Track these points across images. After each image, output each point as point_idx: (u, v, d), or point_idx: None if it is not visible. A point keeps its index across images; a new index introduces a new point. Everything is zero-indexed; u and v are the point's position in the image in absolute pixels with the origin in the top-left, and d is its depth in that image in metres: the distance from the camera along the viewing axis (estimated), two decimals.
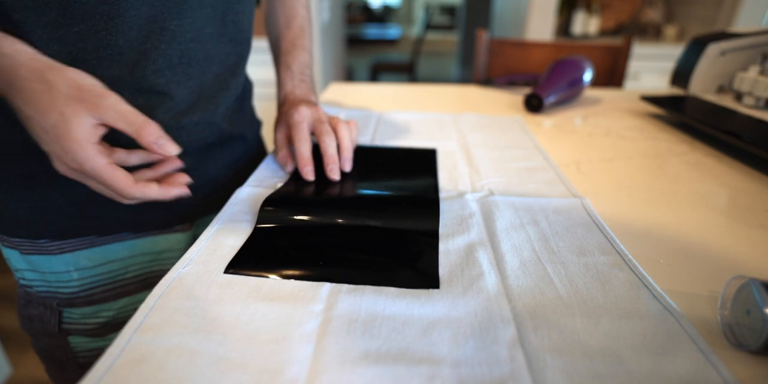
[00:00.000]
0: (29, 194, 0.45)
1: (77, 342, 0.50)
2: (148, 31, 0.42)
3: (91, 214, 0.47)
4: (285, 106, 0.55)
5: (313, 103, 0.55)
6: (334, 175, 0.48)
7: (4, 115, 0.41)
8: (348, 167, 0.50)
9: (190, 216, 0.54)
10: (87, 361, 0.51)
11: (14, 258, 0.48)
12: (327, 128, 0.50)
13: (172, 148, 0.37)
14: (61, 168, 0.36)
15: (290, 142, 0.52)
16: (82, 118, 0.34)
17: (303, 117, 0.51)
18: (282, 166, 0.53)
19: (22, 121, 0.36)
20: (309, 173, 0.48)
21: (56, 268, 0.47)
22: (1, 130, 0.43)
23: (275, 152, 0.55)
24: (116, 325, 0.51)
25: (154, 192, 0.38)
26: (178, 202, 0.44)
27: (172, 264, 0.50)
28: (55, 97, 0.33)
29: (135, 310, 0.46)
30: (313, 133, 0.51)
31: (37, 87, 0.33)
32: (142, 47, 0.42)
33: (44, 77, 0.34)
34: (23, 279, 0.48)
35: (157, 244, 0.52)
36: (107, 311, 0.50)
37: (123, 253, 0.50)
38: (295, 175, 0.51)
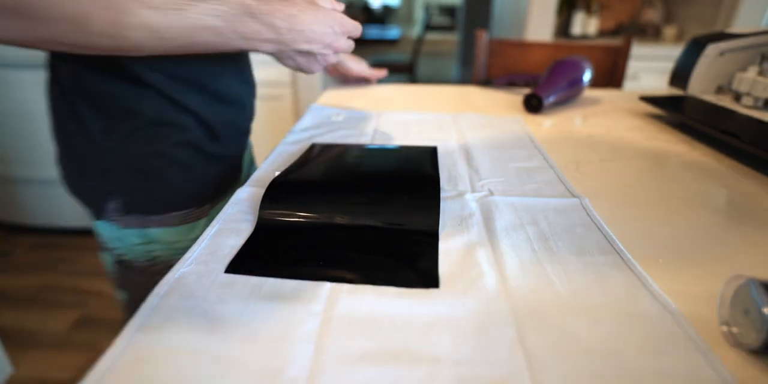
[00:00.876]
0: (183, 171, 0.55)
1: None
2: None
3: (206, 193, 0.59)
4: None
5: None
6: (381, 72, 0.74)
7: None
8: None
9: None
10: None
11: (133, 235, 0.55)
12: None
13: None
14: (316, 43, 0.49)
15: None
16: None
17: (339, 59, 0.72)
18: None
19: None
20: (381, 72, 0.75)
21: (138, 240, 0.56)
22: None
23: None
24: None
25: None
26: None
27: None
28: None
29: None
30: None
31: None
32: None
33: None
34: (120, 252, 0.57)
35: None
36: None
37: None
38: (297, 165, 0.52)
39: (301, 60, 0.49)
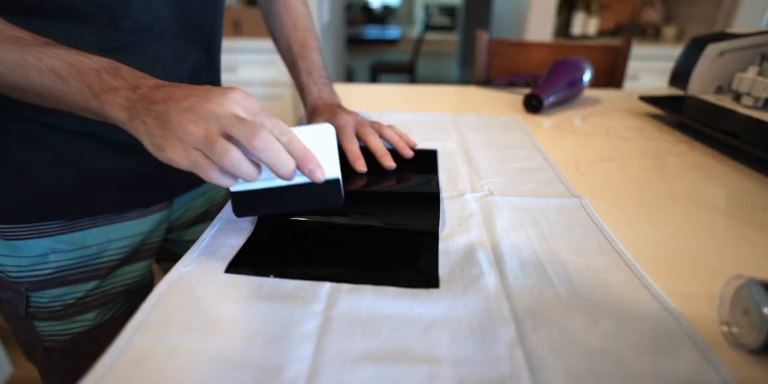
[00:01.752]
0: (20, 179, 0.46)
1: (43, 326, 0.51)
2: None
3: (78, 196, 0.48)
4: (318, 112, 0.59)
5: (347, 109, 0.59)
6: (389, 162, 0.52)
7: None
8: (409, 152, 0.55)
9: (171, 194, 0.56)
10: (52, 345, 0.52)
11: (5, 248, 0.48)
12: (370, 130, 0.55)
13: None
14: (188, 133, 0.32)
15: None
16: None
17: (346, 121, 0.55)
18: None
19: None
20: (362, 165, 0.51)
21: (34, 252, 0.48)
22: None
23: None
24: (83, 306, 0.52)
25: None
26: (160, 180, 0.45)
27: (148, 245, 0.56)
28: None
29: (103, 292, 0.49)
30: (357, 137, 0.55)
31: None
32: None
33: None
34: None
35: (134, 229, 0.53)
36: (77, 292, 0.51)
37: (99, 239, 0.51)
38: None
39: (155, 129, 0.32)
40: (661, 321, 0.30)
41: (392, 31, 6.66)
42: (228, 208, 0.45)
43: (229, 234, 0.40)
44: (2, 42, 0.34)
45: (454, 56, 5.65)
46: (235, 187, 0.39)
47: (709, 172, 0.57)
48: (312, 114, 0.61)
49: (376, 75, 3.68)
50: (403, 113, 0.79)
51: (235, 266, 0.35)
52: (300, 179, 0.38)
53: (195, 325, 0.29)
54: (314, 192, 0.39)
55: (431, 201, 0.46)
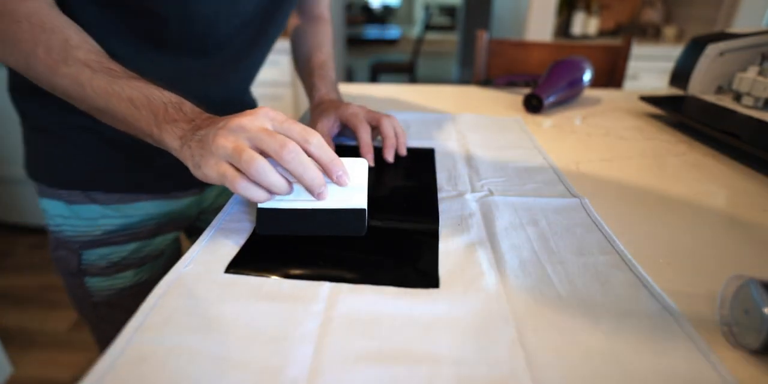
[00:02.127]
0: (81, 157, 0.56)
1: (91, 282, 0.61)
2: None
3: (127, 176, 0.58)
4: (324, 106, 0.62)
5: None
6: (390, 156, 0.55)
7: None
8: (387, 156, 0.56)
9: (203, 184, 0.64)
10: (98, 300, 0.62)
11: (57, 207, 0.57)
12: (383, 117, 0.58)
13: None
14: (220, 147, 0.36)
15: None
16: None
17: (358, 110, 0.58)
18: None
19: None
20: (371, 160, 0.54)
21: (88, 215, 0.58)
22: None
23: None
24: (124, 265, 0.61)
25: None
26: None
27: (180, 220, 0.66)
28: None
29: (140, 254, 0.62)
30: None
31: None
32: None
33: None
34: (55, 225, 0.58)
35: (170, 206, 0.63)
36: (120, 252, 0.60)
37: (141, 211, 0.60)
38: None
39: (196, 150, 0.37)
40: (661, 321, 0.30)
41: (392, 31, 6.66)
42: (228, 208, 0.45)
43: (229, 234, 0.40)
44: (100, 72, 0.41)
45: (454, 56, 5.64)
46: (263, 205, 0.39)
47: (709, 172, 0.57)
48: (317, 107, 0.63)
49: (376, 75, 3.68)
50: (403, 113, 0.79)
51: (235, 266, 0.35)
52: (327, 204, 0.39)
53: (195, 325, 0.29)
54: (339, 218, 0.39)
55: (429, 200, 0.46)
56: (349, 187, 0.39)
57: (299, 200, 0.39)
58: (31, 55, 0.41)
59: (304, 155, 0.36)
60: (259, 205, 0.39)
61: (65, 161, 0.56)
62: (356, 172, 0.40)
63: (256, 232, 0.40)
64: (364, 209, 0.40)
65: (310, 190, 0.38)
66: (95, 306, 0.63)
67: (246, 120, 0.36)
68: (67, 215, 0.58)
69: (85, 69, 0.40)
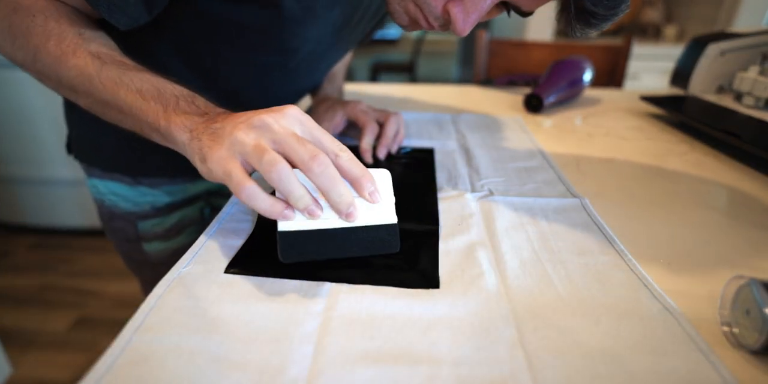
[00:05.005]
0: (147, 143, 0.55)
1: (149, 247, 0.66)
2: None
3: (184, 162, 0.60)
4: (327, 104, 0.62)
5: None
6: (381, 154, 0.56)
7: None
8: (379, 152, 0.57)
9: None
10: (158, 261, 0.67)
11: (108, 186, 0.62)
12: (392, 115, 0.59)
13: None
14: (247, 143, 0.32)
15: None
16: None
17: (366, 107, 0.58)
18: None
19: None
20: (369, 158, 0.55)
21: (139, 195, 0.63)
22: None
23: None
24: (175, 230, 0.67)
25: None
26: None
27: (215, 195, 0.71)
28: None
29: (183, 221, 0.68)
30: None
31: None
32: None
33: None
34: (108, 201, 0.63)
35: (203, 186, 0.68)
36: (171, 220, 0.66)
37: (179, 190, 0.65)
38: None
39: (206, 142, 0.33)
40: (662, 321, 0.30)
41: (392, 31, 6.64)
42: (227, 208, 0.45)
43: (229, 234, 0.40)
44: (110, 64, 0.39)
45: (454, 56, 5.64)
46: (284, 227, 0.34)
47: (710, 172, 0.57)
48: (322, 102, 0.64)
49: (376, 74, 3.68)
50: (403, 113, 0.78)
51: (235, 266, 0.35)
52: (355, 221, 0.35)
53: (194, 325, 0.29)
54: (371, 236, 0.36)
55: (429, 200, 0.46)
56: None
57: (321, 219, 0.34)
58: (41, 47, 0.39)
59: (335, 169, 0.32)
60: (280, 229, 0.34)
61: (115, 150, 0.59)
62: (382, 184, 0.37)
63: (256, 232, 0.40)
64: (396, 224, 0.37)
65: (336, 209, 0.33)
66: (154, 267, 0.67)
67: (272, 119, 0.32)
68: (119, 193, 0.62)
69: (95, 60, 0.39)
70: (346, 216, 0.34)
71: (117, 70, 0.38)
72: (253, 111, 0.34)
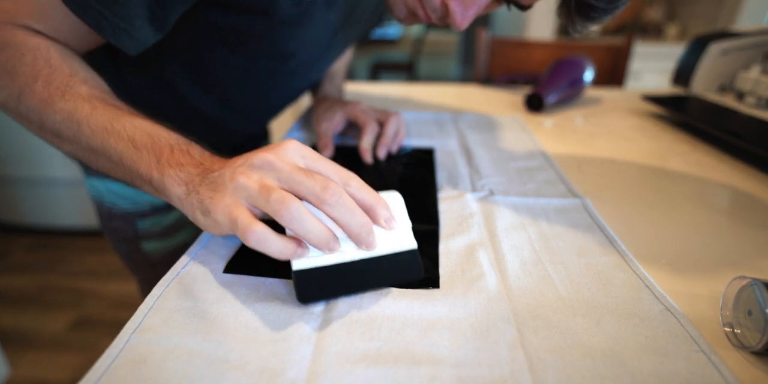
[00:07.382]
0: None
1: (148, 246, 0.66)
2: None
3: None
4: (328, 104, 0.62)
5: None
6: (381, 154, 0.56)
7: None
8: (379, 153, 0.57)
9: None
10: (156, 260, 0.67)
11: (108, 187, 0.62)
12: (392, 115, 0.59)
13: None
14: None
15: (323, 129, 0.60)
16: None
17: (366, 107, 0.58)
18: (322, 150, 0.58)
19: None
20: (368, 158, 0.55)
21: (139, 194, 0.63)
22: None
23: (318, 139, 0.60)
24: (174, 228, 0.67)
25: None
26: None
27: None
28: None
29: (184, 218, 0.66)
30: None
31: None
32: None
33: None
34: (108, 201, 0.63)
35: None
36: (169, 218, 0.66)
37: None
38: None
39: (206, 194, 0.31)
40: (664, 321, 0.30)
41: (392, 30, 6.64)
42: None
43: (228, 234, 0.40)
44: (101, 109, 0.36)
45: (454, 55, 5.64)
46: (299, 265, 0.31)
47: (711, 172, 0.56)
48: (322, 102, 0.65)
49: (376, 74, 3.68)
50: (403, 112, 0.78)
51: (234, 266, 0.35)
52: (374, 251, 0.33)
53: (193, 325, 0.29)
54: (392, 265, 0.33)
55: (429, 200, 0.45)
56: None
57: (337, 252, 0.32)
58: (26, 89, 0.36)
59: (349, 198, 0.30)
60: (295, 268, 0.31)
61: None
62: (396, 208, 0.35)
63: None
64: (416, 249, 0.34)
65: (356, 240, 0.31)
66: (153, 266, 0.67)
67: (272, 156, 0.30)
68: (118, 192, 0.62)
69: (85, 104, 0.36)
70: (367, 245, 0.31)
71: (108, 115, 0.36)
72: (250, 152, 0.32)
